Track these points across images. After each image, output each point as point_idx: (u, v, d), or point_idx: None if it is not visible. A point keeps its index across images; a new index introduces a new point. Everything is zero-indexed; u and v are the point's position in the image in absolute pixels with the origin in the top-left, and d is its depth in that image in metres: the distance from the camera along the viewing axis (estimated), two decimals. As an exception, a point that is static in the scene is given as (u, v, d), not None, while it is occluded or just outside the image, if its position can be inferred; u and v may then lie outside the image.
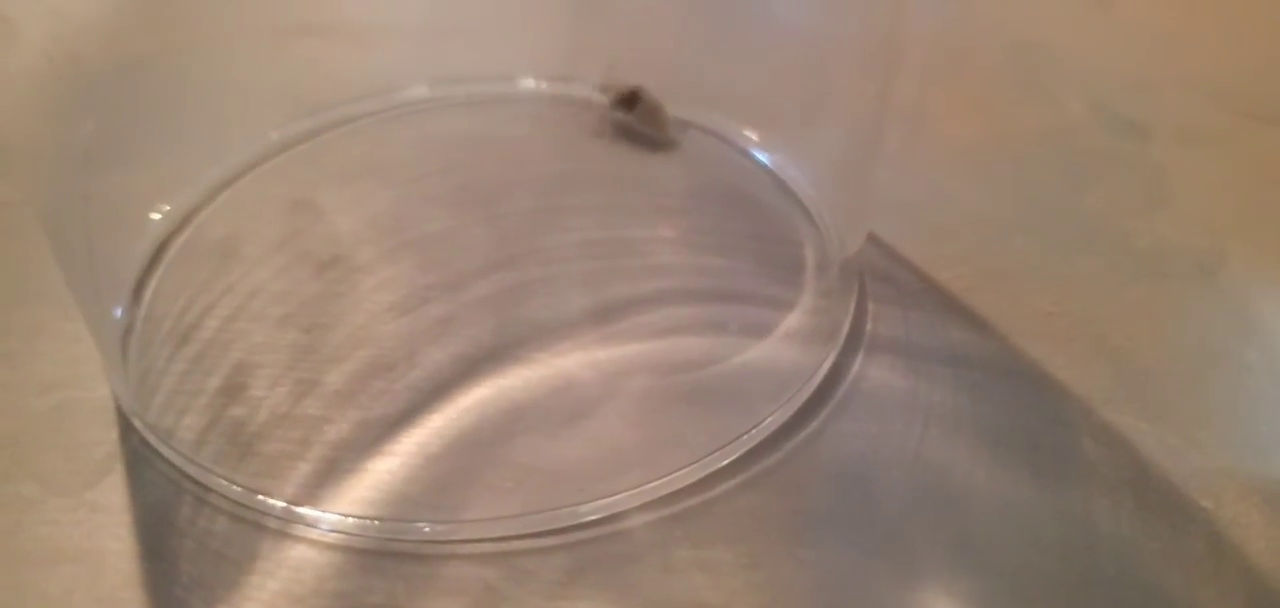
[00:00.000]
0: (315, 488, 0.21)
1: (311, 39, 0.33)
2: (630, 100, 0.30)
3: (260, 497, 0.20)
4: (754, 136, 0.30)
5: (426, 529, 0.20)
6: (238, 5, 0.30)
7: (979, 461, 0.22)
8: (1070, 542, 0.21)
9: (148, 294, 0.26)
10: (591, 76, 0.31)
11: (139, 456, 0.22)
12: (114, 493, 0.21)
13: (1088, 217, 0.30)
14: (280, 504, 0.20)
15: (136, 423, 0.22)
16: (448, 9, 0.32)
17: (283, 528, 0.20)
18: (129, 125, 0.27)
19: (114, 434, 0.22)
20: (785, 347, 0.24)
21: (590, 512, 0.20)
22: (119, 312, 0.25)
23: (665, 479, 0.21)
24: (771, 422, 0.22)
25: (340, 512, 0.20)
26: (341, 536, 0.20)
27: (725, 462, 0.21)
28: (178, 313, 0.25)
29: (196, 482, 0.21)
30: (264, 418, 0.22)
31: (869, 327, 0.25)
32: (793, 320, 0.25)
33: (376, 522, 0.20)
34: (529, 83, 0.32)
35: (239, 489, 0.21)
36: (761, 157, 0.30)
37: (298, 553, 0.20)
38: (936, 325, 0.25)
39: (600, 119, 0.31)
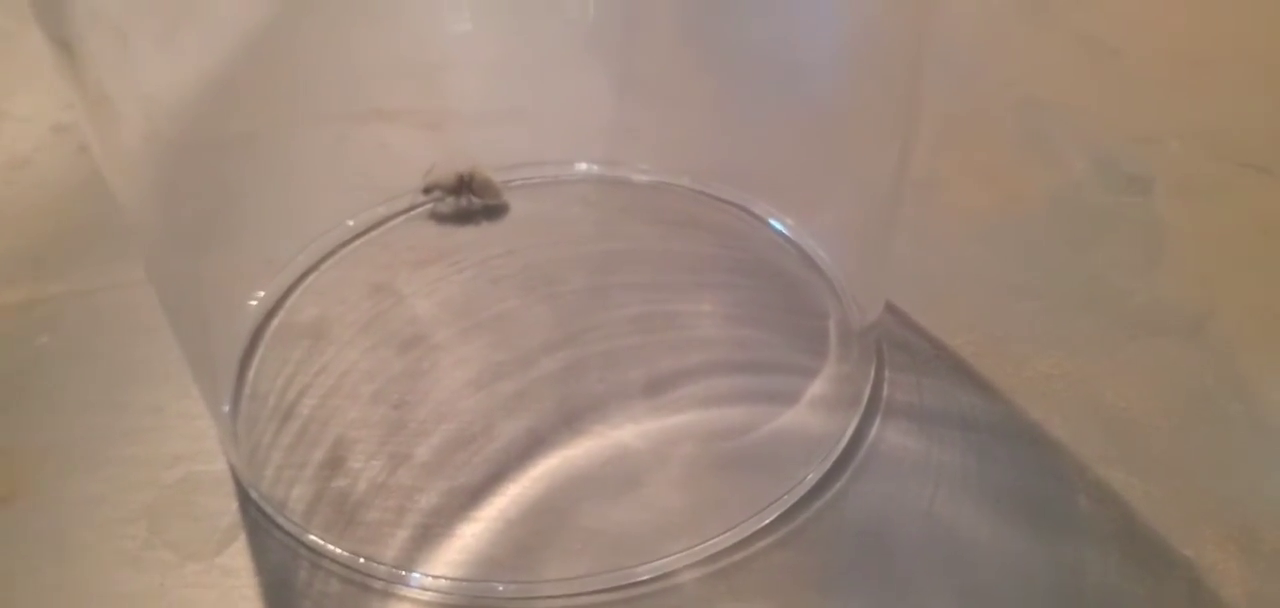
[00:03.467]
0: (412, 552, 0.24)
1: (379, 125, 0.36)
2: (461, 185, 0.34)
3: (365, 561, 0.24)
4: (782, 214, 0.33)
5: (506, 589, 0.24)
6: (306, 91, 0.33)
7: (983, 517, 0.25)
8: (1063, 590, 0.24)
9: (250, 375, 0.29)
10: (636, 161, 0.35)
11: (258, 524, 0.25)
12: (240, 558, 0.25)
13: (1088, 278, 0.33)
14: (384, 568, 0.24)
15: (253, 494, 0.26)
16: (504, 96, 0.35)
17: (386, 588, 0.24)
18: (221, 211, 0.30)
19: (235, 505, 0.26)
20: (813, 414, 0.28)
21: (646, 572, 0.24)
22: (226, 406, 0.28)
23: (711, 542, 0.24)
24: (804, 485, 0.25)
25: (435, 573, 0.24)
26: (437, 594, 0.23)
27: (763, 523, 0.25)
28: (278, 391, 0.29)
29: (309, 548, 0.25)
30: (364, 489, 0.26)
31: (886, 393, 0.28)
32: (819, 388, 0.28)
33: (467, 582, 0.23)
34: (581, 166, 0.36)
35: (347, 554, 0.24)
36: (789, 233, 0.33)
37: (401, 611, 0.23)
38: (947, 390, 0.29)
39: (444, 212, 0.34)
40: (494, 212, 0.34)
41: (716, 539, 0.24)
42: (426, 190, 0.34)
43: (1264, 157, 0.39)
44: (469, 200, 0.34)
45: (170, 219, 0.28)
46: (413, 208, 0.34)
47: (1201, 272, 0.33)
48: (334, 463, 0.26)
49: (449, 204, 0.34)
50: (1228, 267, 0.34)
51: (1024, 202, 0.36)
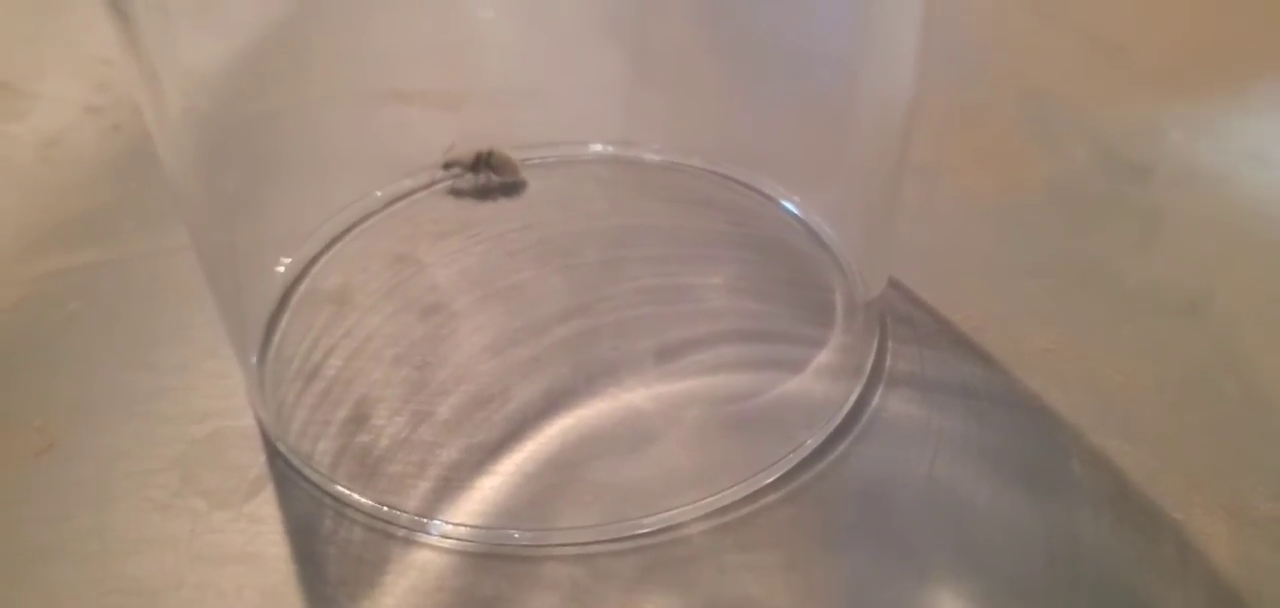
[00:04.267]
0: (433, 502, 0.25)
1: (401, 104, 0.38)
2: (479, 162, 0.35)
3: (388, 510, 0.25)
4: (790, 193, 0.34)
5: (522, 537, 0.25)
6: (332, 70, 0.34)
7: (981, 480, 0.26)
8: (1057, 550, 0.25)
9: (277, 336, 0.30)
10: (649, 141, 0.36)
11: (285, 475, 0.27)
12: (267, 507, 0.26)
13: (1088, 259, 0.34)
14: (405, 516, 0.25)
15: (280, 448, 0.27)
16: (522, 78, 0.37)
17: (408, 536, 0.25)
18: (252, 182, 0.31)
19: (262, 458, 0.27)
20: (818, 381, 0.29)
21: (655, 523, 0.25)
22: (254, 358, 0.29)
23: (718, 496, 0.25)
24: (807, 447, 0.26)
25: (455, 521, 0.25)
26: (456, 542, 0.25)
27: (768, 480, 0.26)
28: (304, 354, 0.30)
29: (335, 497, 0.26)
30: (386, 444, 0.27)
31: (889, 363, 0.29)
32: (824, 358, 0.29)
33: (485, 530, 0.25)
34: (596, 146, 0.37)
35: (370, 504, 0.25)
36: (796, 210, 0.34)
37: (422, 556, 0.24)
38: (948, 362, 0.29)
39: (463, 188, 0.36)
40: (512, 188, 0.35)
41: (723, 495, 0.25)
42: (447, 167, 0.35)
43: (1263, 147, 0.39)
44: (488, 177, 0.35)
45: (207, 187, 0.29)
46: (433, 183, 0.35)
47: (1199, 256, 0.34)
48: (358, 420, 0.28)
49: (468, 180, 0.35)
50: (1225, 252, 0.35)
51: (1027, 187, 0.37)
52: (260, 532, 0.25)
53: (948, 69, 0.42)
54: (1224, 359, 0.30)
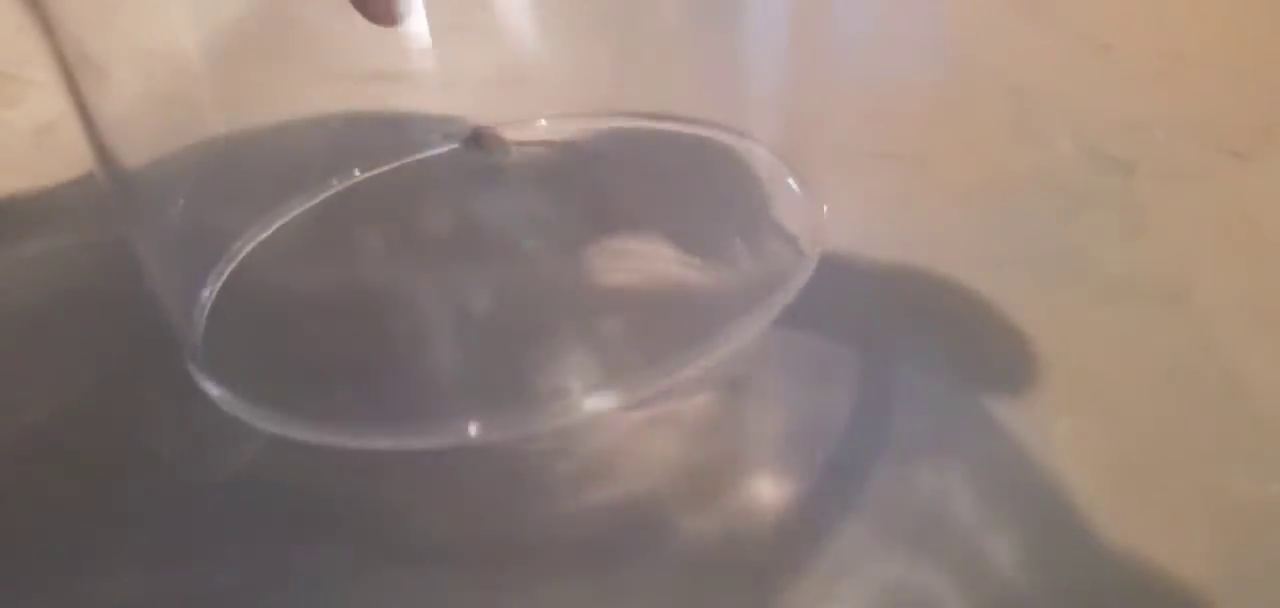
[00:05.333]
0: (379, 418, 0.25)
1: (382, 85, 0.38)
2: (476, 139, 0.36)
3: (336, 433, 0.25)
4: (745, 133, 0.35)
5: (476, 431, 0.24)
6: (311, 52, 0.35)
7: (954, 469, 0.26)
8: (1034, 535, 0.25)
9: (243, 297, 0.30)
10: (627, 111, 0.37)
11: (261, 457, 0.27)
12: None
13: (1069, 249, 0.34)
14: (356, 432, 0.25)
15: (246, 417, 0.26)
16: (505, 57, 0.37)
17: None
18: (221, 166, 0.32)
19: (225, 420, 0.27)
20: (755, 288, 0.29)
21: (598, 405, 0.25)
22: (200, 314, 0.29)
23: (657, 380, 0.26)
24: (736, 340, 0.27)
25: (400, 418, 0.25)
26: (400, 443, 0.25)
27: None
28: (274, 310, 0.30)
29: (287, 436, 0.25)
30: (347, 380, 0.27)
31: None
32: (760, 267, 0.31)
33: (435, 426, 0.25)
34: (578, 120, 0.38)
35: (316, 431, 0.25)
36: (760, 151, 0.35)
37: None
38: (925, 345, 0.30)
39: (454, 163, 0.36)
40: (501, 164, 0.36)
41: (661, 381, 0.26)
42: (440, 142, 0.36)
43: (1245, 143, 0.40)
44: (477, 153, 0.36)
45: (171, 174, 0.29)
46: (423, 159, 0.36)
47: (1181, 248, 0.34)
48: (319, 369, 0.28)
49: (458, 156, 0.36)
50: (1206, 244, 0.34)
51: (1008, 179, 0.37)
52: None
53: (933, 62, 0.43)
54: (1204, 348, 0.30)
